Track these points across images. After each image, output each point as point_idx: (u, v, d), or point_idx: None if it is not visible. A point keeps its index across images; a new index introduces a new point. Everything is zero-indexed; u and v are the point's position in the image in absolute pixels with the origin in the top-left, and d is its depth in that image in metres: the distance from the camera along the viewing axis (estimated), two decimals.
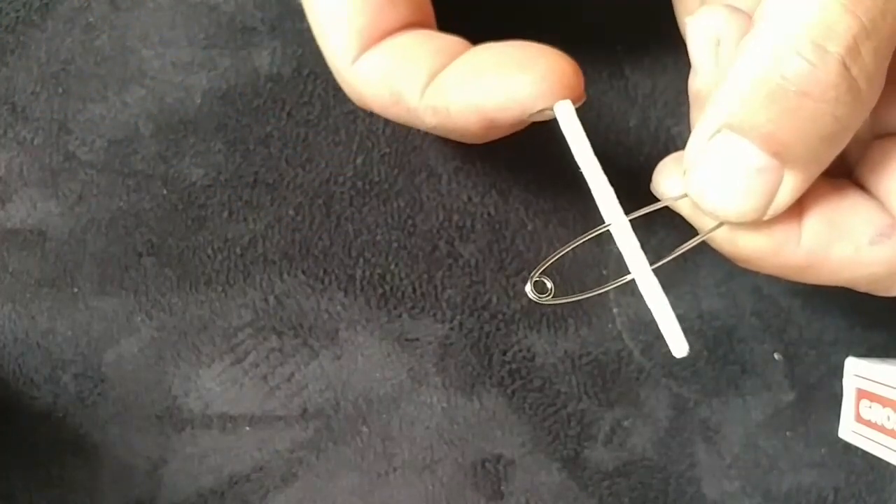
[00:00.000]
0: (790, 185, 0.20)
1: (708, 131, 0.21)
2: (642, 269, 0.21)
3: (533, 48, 0.22)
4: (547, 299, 0.22)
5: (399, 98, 0.22)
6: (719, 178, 0.21)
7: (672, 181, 0.23)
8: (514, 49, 0.22)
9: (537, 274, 0.22)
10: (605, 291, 0.31)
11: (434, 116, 0.22)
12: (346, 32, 0.22)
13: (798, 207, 0.22)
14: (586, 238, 0.22)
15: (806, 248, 0.21)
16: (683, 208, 0.23)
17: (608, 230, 0.22)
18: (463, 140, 0.24)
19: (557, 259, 0.31)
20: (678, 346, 0.21)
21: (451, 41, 0.23)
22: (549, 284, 0.22)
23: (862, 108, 0.20)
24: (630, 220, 0.22)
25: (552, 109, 0.21)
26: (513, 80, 0.21)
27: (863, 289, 0.23)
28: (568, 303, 0.23)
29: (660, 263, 0.22)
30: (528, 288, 0.22)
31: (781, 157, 0.20)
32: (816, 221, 0.22)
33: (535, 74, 0.21)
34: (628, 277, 0.22)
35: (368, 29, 0.22)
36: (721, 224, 0.22)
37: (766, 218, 0.21)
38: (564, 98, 0.21)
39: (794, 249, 0.21)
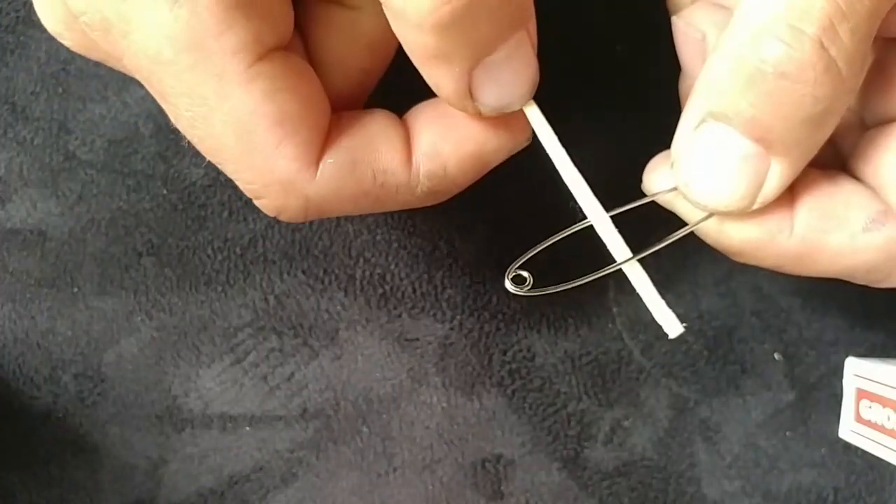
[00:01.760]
0: (778, 173, 0.20)
1: (693, 121, 0.21)
2: (619, 247, 0.22)
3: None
4: (525, 290, 0.22)
5: (384, 178, 0.21)
6: (706, 167, 0.21)
7: (660, 176, 0.23)
8: None
9: (515, 268, 0.23)
10: (605, 288, 0.31)
11: (428, 181, 0.22)
12: (294, 144, 0.20)
13: (789, 197, 0.21)
14: (568, 233, 0.23)
15: (799, 237, 0.21)
16: (672, 202, 0.23)
17: (591, 224, 0.22)
18: (430, 202, 0.23)
19: (558, 259, 0.31)
20: (670, 326, 0.22)
21: (384, 112, 0.23)
22: (526, 275, 0.23)
23: (843, 90, 0.19)
24: (625, 216, 0.22)
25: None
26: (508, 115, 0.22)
27: (860, 279, 0.23)
28: (559, 293, 0.23)
29: (646, 253, 0.22)
30: (507, 282, 0.23)
31: (766, 142, 0.20)
32: (808, 210, 0.21)
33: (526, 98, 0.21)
34: (612, 268, 0.22)
35: (315, 129, 0.21)
36: (710, 215, 0.22)
37: (754, 207, 0.21)
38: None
39: (786, 239, 0.21)
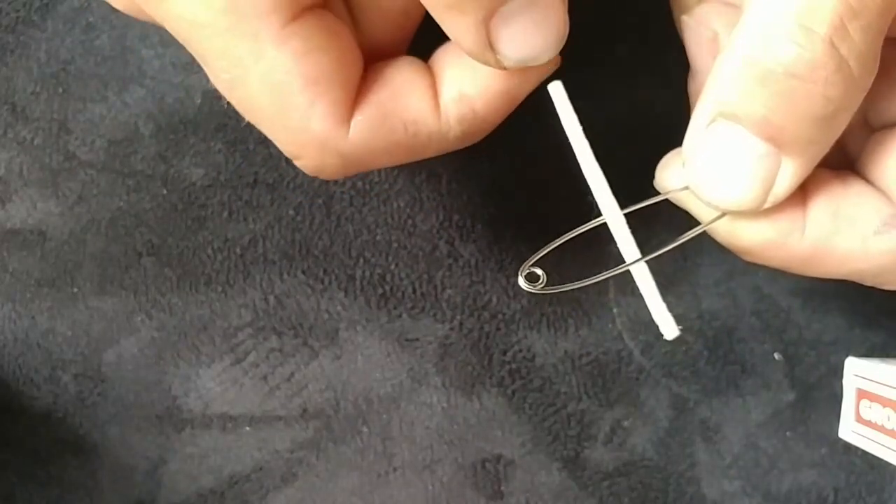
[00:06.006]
0: (789, 172, 0.20)
1: (703, 121, 0.21)
2: (629, 246, 0.22)
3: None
4: (538, 288, 0.22)
5: (416, 128, 0.22)
6: (717, 167, 0.21)
7: (672, 174, 0.23)
8: None
9: (529, 265, 0.22)
10: (605, 288, 0.31)
11: (459, 125, 0.22)
12: (327, 103, 0.21)
13: (802, 197, 0.21)
14: (581, 230, 0.22)
15: (811, 239, 0.21)
16: (685, 201, 0.23)
17: (603, 219, 0.22)
18: (464, 144, 0.24)
19: (558, 259, 0.31)
20: (668, 328, 0.22)
21: (412, 61, 0.22)
22: (539, 273, 0.22)
23: (855, 89, 0.19)
24: (630, 214, 0.22)
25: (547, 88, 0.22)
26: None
27: (868, 282, 0.23)
28: (561, 293, 0.23)
29: (660, 252, 0.22)
30: (521, 279, 0.22)
31: (777, 142, 0.20)
32: (821, 211, 0.21)
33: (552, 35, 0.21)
34: (622, 268, 0.22)
35: (347, 87, 0.21)
36: (722, 215, 0.22)
37: (766, 206, 0.21)
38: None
39: (798, 240, 0.21)
